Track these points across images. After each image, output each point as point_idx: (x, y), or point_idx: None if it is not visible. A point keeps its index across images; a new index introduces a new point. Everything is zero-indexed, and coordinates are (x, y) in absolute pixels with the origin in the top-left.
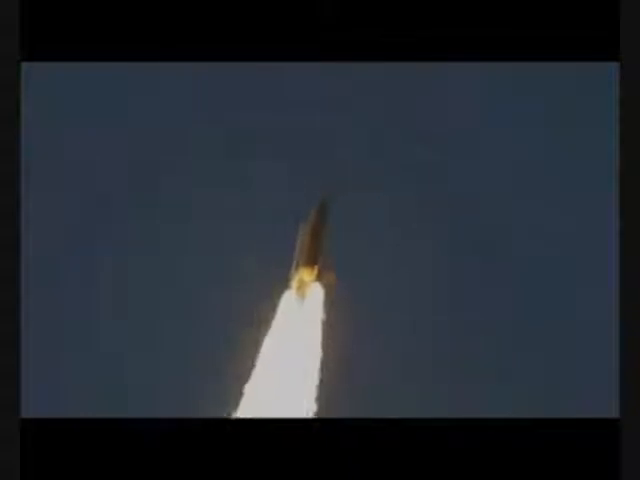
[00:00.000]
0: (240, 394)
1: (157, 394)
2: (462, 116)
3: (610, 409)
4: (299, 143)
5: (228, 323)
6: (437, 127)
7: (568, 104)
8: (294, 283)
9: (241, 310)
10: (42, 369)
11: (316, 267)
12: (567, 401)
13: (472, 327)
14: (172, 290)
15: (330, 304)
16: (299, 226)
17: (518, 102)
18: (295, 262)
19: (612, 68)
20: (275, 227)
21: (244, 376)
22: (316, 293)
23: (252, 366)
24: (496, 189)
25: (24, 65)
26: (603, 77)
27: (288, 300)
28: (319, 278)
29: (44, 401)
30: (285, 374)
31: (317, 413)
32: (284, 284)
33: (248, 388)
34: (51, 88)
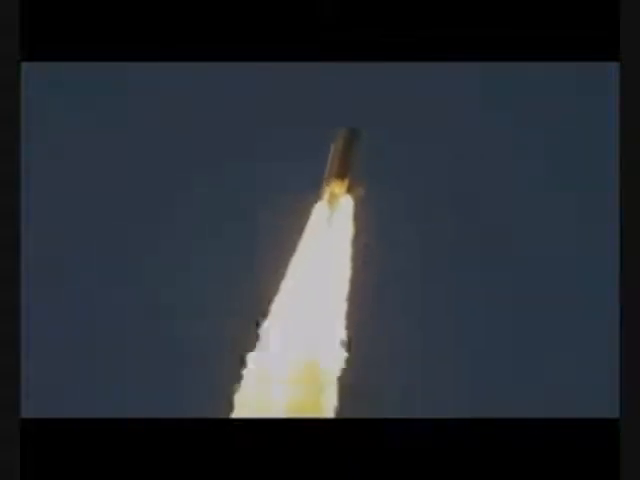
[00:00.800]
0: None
1: (157, 394)
2: (462, 116)
3: (610, 409)
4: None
5: (264, 231)
6: (437, 127)
7: (568, 104)
8: (326, 195)
9: (275, 220)
10: (42, 369)
11: (346, 180)
12: (567, 401)
13: (470, 327)
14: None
15: (360, 215)
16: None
17: (518, 102)
18: (326, 176)
19: (612, 68)
20: (309, 140)
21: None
22: (347, 205)
23: (283, 276)
24: (496, 188)
25: (24, 65)
26: (603, 77)
27: (320, 210)
28: (349, 191)
29: (44, 401)
30: (315, 287)
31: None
32: (317, 196)
33: (278, 299)
34: (51, 88)
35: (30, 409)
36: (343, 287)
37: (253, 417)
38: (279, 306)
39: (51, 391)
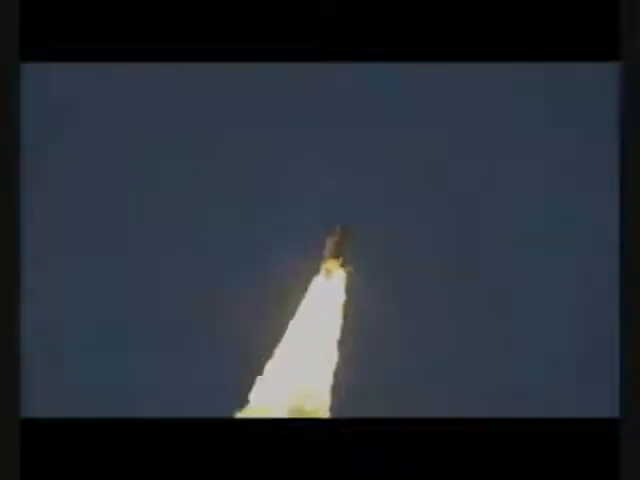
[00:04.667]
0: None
1: (158, 394)
2: (462, 116)
3: (610, 409)
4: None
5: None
6: (437, 127)
7: (568, 104)
8: (323, 270)
9: (283, 287)
10: (42, 369)
11: (340, 259)
12: (567, 401)
13: (470, 325)
14: (197, 280)
15: (349, 288)
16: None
17: (518, 102)
18: (324, 257)
19: (612, 68)
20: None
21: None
22: (340, 275)
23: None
24: (496, 188)
25: (24, 65)
26: (603, 77)
27: (318, 280)
28: (342, 267)
29: (44, 401)
30: (312, 336)
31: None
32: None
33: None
34: (51, 88)
35: (30, 409)
36: (335, 336)
37: (253, 418)
38: (280, 351)
39: (51, 391)
